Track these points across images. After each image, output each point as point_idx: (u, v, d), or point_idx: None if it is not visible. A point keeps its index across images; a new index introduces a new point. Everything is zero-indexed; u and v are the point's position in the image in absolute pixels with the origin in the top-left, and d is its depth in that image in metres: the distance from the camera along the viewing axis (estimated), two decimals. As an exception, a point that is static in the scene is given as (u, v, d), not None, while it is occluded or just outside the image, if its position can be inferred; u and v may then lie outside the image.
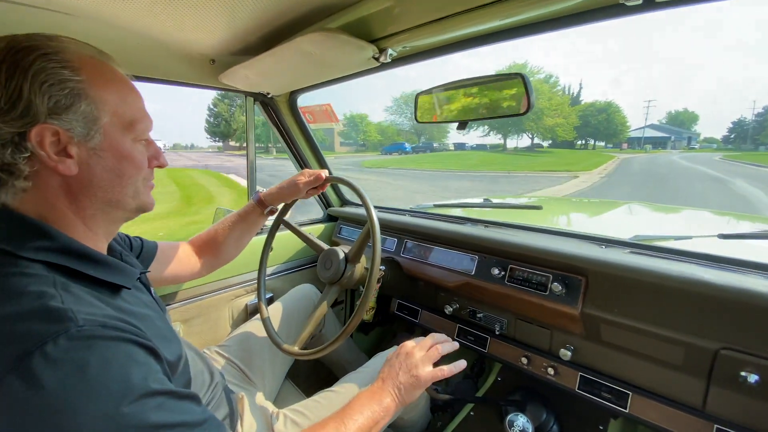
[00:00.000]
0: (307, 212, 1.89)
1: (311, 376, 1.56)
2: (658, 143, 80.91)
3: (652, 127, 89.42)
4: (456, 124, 0.91)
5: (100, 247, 0.61)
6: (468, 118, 0.87)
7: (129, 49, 1.02)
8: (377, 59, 0.91)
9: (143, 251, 0.89)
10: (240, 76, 1.14)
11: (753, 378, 0.72)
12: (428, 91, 0.99)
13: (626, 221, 1.59)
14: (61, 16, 0.81)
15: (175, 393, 0.49)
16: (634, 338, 0.87)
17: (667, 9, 0.59)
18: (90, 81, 0.53)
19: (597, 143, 71.28)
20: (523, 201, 1.91)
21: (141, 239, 0.92)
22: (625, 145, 70.35)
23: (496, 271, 1.08)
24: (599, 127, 64.93)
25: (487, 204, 1.54)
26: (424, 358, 0.87)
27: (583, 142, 70.53)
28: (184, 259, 1.02)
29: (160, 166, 0.66)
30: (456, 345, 0.94)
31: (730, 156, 40.89)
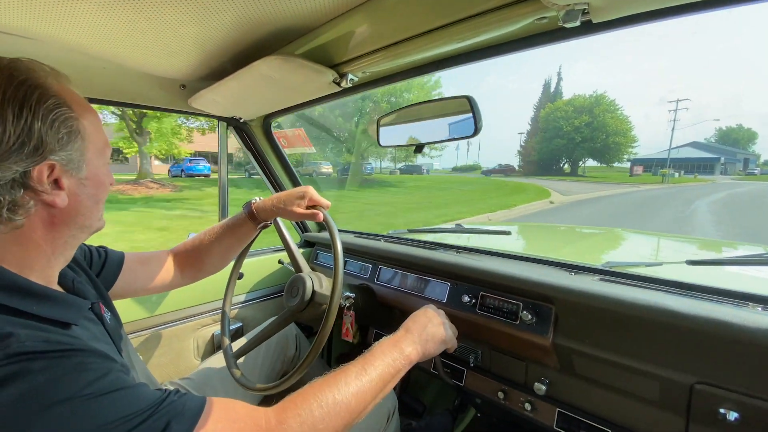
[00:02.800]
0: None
1: None
2: (701, 166, 59.43)
3: (695, 145, 67.66)
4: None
5: (51, 277, 0.58)
6: (424, 142, 0.87)
7: (98, 74, 1.02)
8: (338, 84, 0.91)
9: (106, 265, 0.84)
10: (209, 100, 1.14)
11: (732, 416, 0.67)
12: (388, 115, 0.98)
13: (598, 247, 1.56)
14: (17, 39, 0.81)
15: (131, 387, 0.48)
16: (607, 371, 0.82)
17: (606, 32, 0.60)
18: (78, 114, 0.54)
19: (595, 163, 47.45)
20: (492, 227, 1.90)
21: (105, 250, 0.87)
22: (639, 169, 46.79)
23: (466, 299, 1.03)
24: (575, 137, 39.61)
25: (458, 229, 1.52)
26: (448, 322, 0.90)
27: (566, 163, 45.48)
28: (161, 269, 0.96)
29: (111, 185, 0.66)
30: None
31: None
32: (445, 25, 0.69)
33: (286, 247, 1.16)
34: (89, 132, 0.56)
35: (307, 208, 0.92)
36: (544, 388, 0.92)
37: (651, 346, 0.74)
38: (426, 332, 0.82)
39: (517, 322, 0.92)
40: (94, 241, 0.78)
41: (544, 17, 0.59)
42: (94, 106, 0.66)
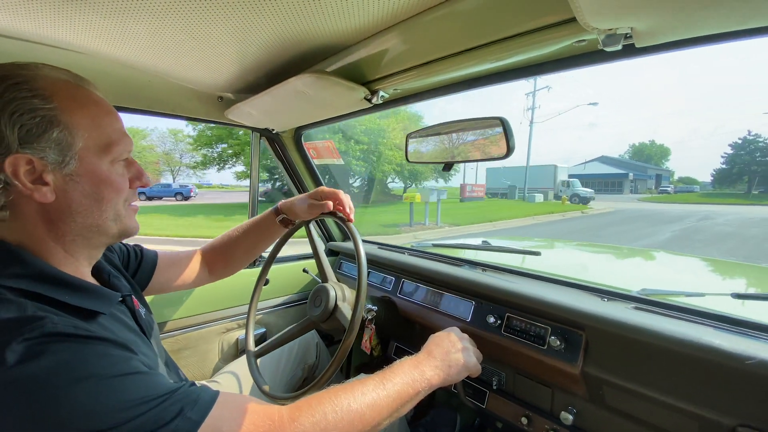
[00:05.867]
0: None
1: None
2: (609, 183, 53.96)
3: (603, 160, 61.91)
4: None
5: (81, 271, 0.60)
6: (453, 161, 0.86)
7: (140, 85, 1.08)
8: (369, 100, 0.92)
9: (142, 263, 0.89)
10: (244, 112, 1.18)
11: None
12: (417, 132, 0.99)
13: (633, 272, 1.48)
14: (70, 54, 0.86)
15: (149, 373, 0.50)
16: (641, 405, 0.78)
17: (648, 56, 0.58)
18: (62, 107, 0.52)
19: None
20: (521, 245, 1.84)
21: (141, 249, 0.91)
22: (478, 191, 25.51)
23: (492, 320, 1.01)
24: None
25: (485, 246, 1.48)
26: (472, 347, 0.88)
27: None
28: (191, 268, 1.00)
29: (142, 186, 0.67)
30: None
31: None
32: (480, 46, 0.69)
33: (315, 255, 1.17)
34: (82, 126, 0.54)
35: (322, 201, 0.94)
36: (571, 417, 0.88)
37: (691, 383, 0.70)
38: (449, 358, 0.81)
39: (545, 347, 0.89)
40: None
41: (583, 40, 0.58)
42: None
